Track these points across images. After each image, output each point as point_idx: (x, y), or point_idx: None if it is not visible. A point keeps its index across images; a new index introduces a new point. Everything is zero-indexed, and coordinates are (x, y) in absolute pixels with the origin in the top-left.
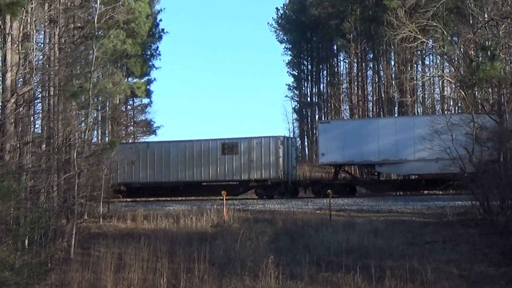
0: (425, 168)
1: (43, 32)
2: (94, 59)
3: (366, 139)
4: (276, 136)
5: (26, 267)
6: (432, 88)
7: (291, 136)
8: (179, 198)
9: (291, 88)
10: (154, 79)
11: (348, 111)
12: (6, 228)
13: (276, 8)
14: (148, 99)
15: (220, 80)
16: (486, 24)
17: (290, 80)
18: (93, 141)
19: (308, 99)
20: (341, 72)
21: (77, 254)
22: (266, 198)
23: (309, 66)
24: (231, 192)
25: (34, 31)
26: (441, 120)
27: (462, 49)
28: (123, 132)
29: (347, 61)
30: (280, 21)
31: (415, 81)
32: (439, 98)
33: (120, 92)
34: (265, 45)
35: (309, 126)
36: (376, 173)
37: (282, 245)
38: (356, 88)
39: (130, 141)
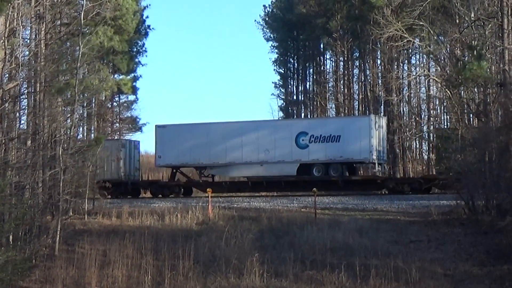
0: (251, 171)
1: (29, 28)
2: (80, 56)
3: (199, 143)
4: (118, 139)
5: (10, 264)
6: (418, 87)
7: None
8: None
9: (277, 86)
10: (140, 76)
11: (334, 109)
12: None
13: (264, 5)
14: (134, 96)
15: (206, 78)
16: (473, 24)
17: (277, 78)
18: (78, 137)
19: (294, 97)
20: (327, 71)
21: (62, 250)
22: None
23: (296, 64)
24: None
25: (21, 27)
26: (266, 125)
27: (448, 49)
28: (109, 128)
29: (333, 60)
30: (267, 19)
31: (401, 80)
32: (425, 97)
33: (106, 88)
34: (251, 43)
35: None
36: (210, 175)
37: (267, 243)
38: (342, 87)
39: (116, 137)
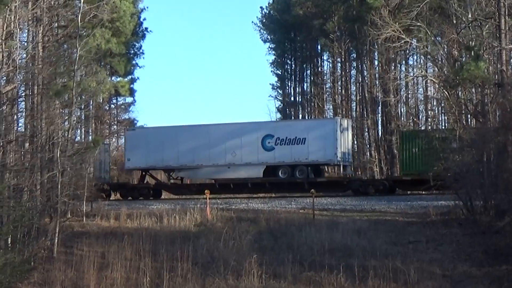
0: (218, 173)
1: (26, 30)
2: (77, 58)
3: (167, 146)
4: None
5: (9, 266)
6: (416, 88)
7: None
8: (162, 196)
9: (275, 87)
10: (138, 78)
11: (332, 110)
12: None
13: (261, 7)
14: (132, 98)
15: (204, 79)
16: (470, 25)
17: (274, 79)
18: (76, 139)
19: (292, 99)
20: (325, 72)
21: (60, 252)
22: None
23: (293, 66)
24: None
25: (18, 29)
26: (232, 128)
27: (446, 49)
28: (107, 131)
29: (330, 61)
30: (264, 21)
31: (398, 81)
32: (422, 98)
33: (104, 91)
34: (249, 45)
35: None
36: (178, 178)
37: (265, 244)
38: (339, 88)
39: (114, 140)
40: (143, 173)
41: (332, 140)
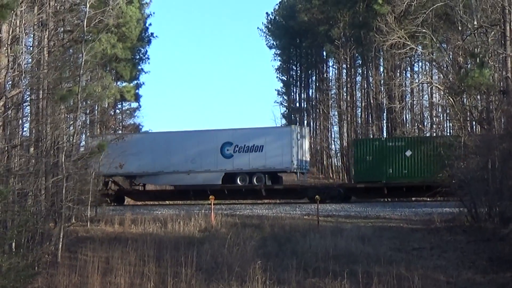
0: (179, 180)
1: (32, 35)
2: (83, 63)
3: (129, 152)
4: None
5: (13, 271)
6: (421, 94)
7: None
8: (166, 202)
9: (280, 93)
10: (143, 83)
11: (337, 116)
12: None
13: (266, 13)
14: (137, 103)
15: (209, 85)
16: (475, 31)
17: (279, 85)
18: (81, 144)
19: (297, 105)
20: (330, 78)
21: (64, 257)
22: None
23: (298, 72)
24: None
25: (24, 34)
26: (193, 135)
27: (451, 56)
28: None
29: (336, 67)
30: (269, 27)
31: (404, 88)
32: (427, 105)
33: (109, 96)
34: (255, 51)
35: None
36: (140, 184)
37: (270, 250)
38: (345, 94)
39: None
40: (106, 179)
41: (289, 148)
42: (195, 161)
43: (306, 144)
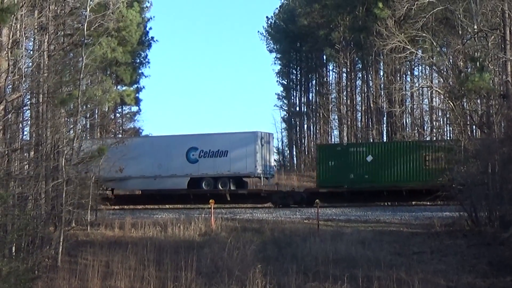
0: (146, 185)
1: (32, 39)
2: (83, 67)
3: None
4: None
5: (13, 274)
6: (421, 98)
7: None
8: (166, 206)
9: (280, 97)
10: (143, 87)
11: (337, 120)
12: None
13: (266, 17)
14: (137, 107)
15: (209, 89)
16: (475, 35)
17: (280, 89)
18: (81, 148)
19: (297, 109)
20: (330, 82)
21: (64, 261)
22: None
23: (299, 76)
24: None
25: (24, 38)
26: (159, 140)
27: (451, 60)
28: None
29: (336, 71)
30: (270, 30)
31: (404, 92)
32: (427, 109)
33: (109, 99)
34: (255, 54)
35: (298, 136)
36: (109, 188)
37: (270, 254)
38: (345, 98)
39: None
40: None
41: (253, 153)
42: (162, 166)
43: (271, 149)
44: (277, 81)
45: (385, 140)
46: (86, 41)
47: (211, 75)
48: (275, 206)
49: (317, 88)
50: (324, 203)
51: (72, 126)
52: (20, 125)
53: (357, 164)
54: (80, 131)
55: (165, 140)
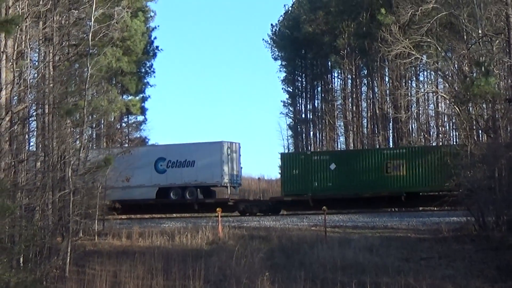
0: (114, 195)
1: (37, 50)
2: (88, 77)
3: None
4: None
5: (21, 285)
6: (427, 104)
7: None
8: (174, 215)
9: (286, 104)
10: (149, 96)
11: (343, 127)
12: (1, 246)
13: (271, 24)
14: (143, 117)
15: (215, 97)
16: (480, 40)
17: (285, 96)
18: (88, 158)
19: (303, 116)
20: (336, 89)
21: (72, 272)
22: None
23: (304, 83)
24: None
25: (29, 49)
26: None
27: (456, 65)
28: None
29: (341, 78)
30: (274, 38)
31: (409, 97)
32: (433, 114)
33: (115, 109)
34: (260, 62)
35: (304, 143)
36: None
37: (278, 262)
38: (350, 104)
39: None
40: None
41: (219, 162)
42: (131, 176)
43: (238, 158)
44: (282, 88)
45: (391, 146)
46: (91, 51)
47: (216, 83)
48: (242, 214)
49: (323, 95)
50: (289, 211)
51: (78, 136)
52: (26, 136)
53: (321, 172)
54: (86, 141)
55: (134, 151)
